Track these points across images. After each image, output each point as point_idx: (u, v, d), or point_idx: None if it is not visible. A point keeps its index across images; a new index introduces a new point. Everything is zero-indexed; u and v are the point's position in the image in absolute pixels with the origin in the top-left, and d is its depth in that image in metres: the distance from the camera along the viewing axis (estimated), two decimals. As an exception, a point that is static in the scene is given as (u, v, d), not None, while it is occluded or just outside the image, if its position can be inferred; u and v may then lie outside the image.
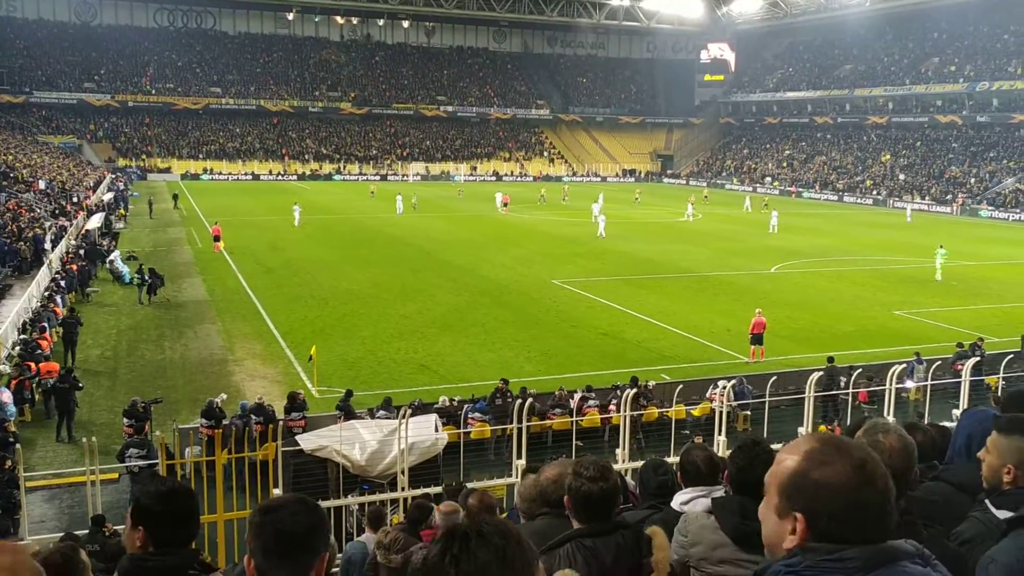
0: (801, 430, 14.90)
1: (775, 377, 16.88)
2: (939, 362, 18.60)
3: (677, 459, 10.76)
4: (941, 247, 35.55)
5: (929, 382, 17.09)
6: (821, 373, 16.70)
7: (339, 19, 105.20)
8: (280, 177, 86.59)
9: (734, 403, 16.49)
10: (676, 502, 4.21)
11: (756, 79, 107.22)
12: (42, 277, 28.71)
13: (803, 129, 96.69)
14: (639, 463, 8.20)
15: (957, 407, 14.38)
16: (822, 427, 13.74)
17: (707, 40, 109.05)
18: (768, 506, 1.85)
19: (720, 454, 6.78)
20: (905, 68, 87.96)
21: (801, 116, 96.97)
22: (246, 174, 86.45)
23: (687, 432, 16.08)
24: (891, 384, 14.66)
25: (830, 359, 19.06)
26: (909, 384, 17.98)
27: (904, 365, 17.32)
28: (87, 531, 10.38)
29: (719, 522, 3.56)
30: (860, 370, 17.52)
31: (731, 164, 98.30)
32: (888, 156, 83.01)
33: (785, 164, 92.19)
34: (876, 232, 51.85)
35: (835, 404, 17.68)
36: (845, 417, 16.37)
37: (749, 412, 17.47)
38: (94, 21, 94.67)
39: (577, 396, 17.40)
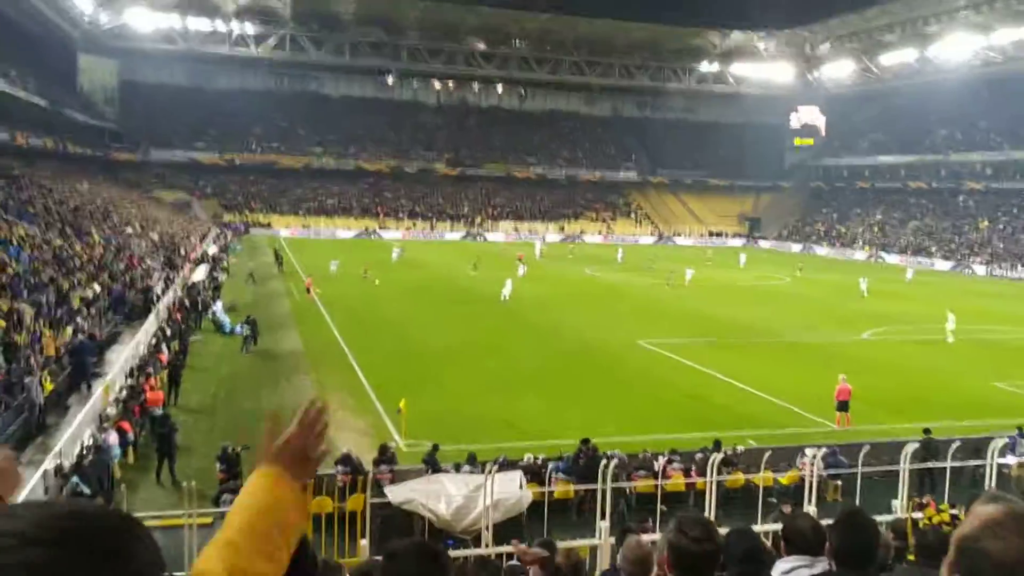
0: (895, 503, 14.50)
1: (867, 447, 16.45)
2: (1044, 438, 17.80)
3: (765, 527, 10.62)
4: (951, 312, 35.60)
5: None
6: (917, 445, 16.22)
7: (436, 84, 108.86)
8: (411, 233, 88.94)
9: (824, 472, 16.14)
10: (777, 571, 4.06)
11: (847, 143, 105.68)
12: (149, 325, 30.16)
13: (896, 194, 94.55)
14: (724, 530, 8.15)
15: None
16: (915, 499, 13.33)
17: (797, 104, 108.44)
18: (945, 562, 1.90)
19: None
20: (1004, 133, 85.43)
21: (894, 180, 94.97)
22: (348, 230, 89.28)
23: (774, 500, 15.81)
24: (992, 459, 14.18)
25: (926, 430, 18.48)
26: (1011, 459, 17.28)
27: (1006, 440, 16.69)
28: (183, 574, 10.84)
29: None
30: (958, 443, 16.93)
31: (821, 228, 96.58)
32: (986, 222, 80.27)
33: (877, 229, 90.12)
34: (973, 300, 49.98)
35: (931, 477, 17.09)
36: (943, 491, 15.79)
37: (840, 482, 17.05)
38: (208, 84, 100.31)
39: (662, 459, 17.30)
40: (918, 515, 12.17)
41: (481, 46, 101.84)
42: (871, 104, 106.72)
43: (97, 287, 30.79)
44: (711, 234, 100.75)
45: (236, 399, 24.32)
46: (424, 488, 14.72)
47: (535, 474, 16.26)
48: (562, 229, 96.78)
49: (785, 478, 17.00)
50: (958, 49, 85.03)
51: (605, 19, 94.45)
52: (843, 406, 22.28)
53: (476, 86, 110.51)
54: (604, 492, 13.19)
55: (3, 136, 53.81)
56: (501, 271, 51.30)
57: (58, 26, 74.66)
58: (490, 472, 13.70)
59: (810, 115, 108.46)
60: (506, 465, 16.21)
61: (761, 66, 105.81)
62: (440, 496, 14.55)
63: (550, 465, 16.67)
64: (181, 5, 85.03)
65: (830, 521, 4.01)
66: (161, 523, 15.55)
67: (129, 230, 50.30)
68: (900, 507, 14.04)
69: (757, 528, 10.85)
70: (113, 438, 17.87)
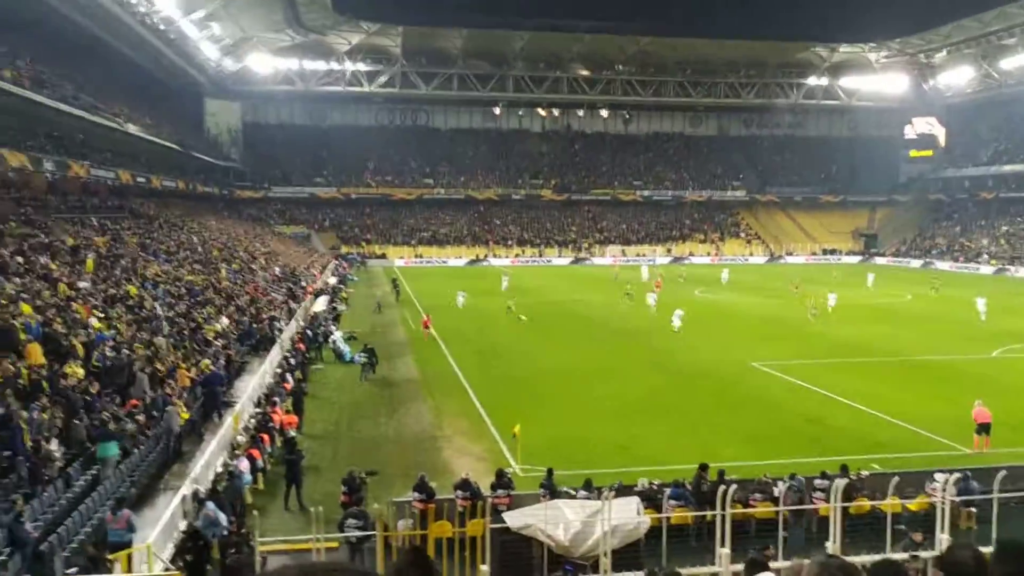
0: (1034, 531, 13.83)
1: (1004, 472, 15.70)
2: None
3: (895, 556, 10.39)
4: None
5: None
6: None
7: (541, 111, 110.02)
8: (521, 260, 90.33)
9: (956, 498, 15.49)
10: None
11: (969, 153, 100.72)
12: (274, 355, 31.55)
13: (1023, 204, 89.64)
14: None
15: None
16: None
17: (912, 115, 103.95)
18: None
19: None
20: None
21: (1020, 190, 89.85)
22: (459, 258, 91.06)
23: (902, 527, 15.28)
24: None
25: (1066, 454, 17.51)
26: None
27: None
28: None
29: None
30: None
31: (943, 242, 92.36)
32: None
33: (1003, 241, 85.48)
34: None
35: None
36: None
37: (975, 509, 16.32)
38: (325, 123, 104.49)
39: (782, 484, 16.95)
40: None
41: (584, 72, 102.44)
42: (993, 111, 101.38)
43: (225, 320, 32.46)
44: (824, 252, 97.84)
45: (357, 425, 25.19)
46: (542, 513, 14.88)
47: (651, 500, 16.21)
48: (669, 251, 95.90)
49: (913, 504, 16.39)
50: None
51: (706, 39, 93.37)
52: (983, 429, 21.45)
53: (581, 112, 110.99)
54: (724, 518, 13.04)
55: (142, 180, 57.53)
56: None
57: (187, 73, 79.32)
58: (607, 498, 13.76)
59: (927, 125, 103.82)
60: (622, 491, 16.19)
61: (872, 78, 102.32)
62: (558, 522, 14.66)
63: (667, 491, 16.58)
64: (298, 48, 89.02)
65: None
66: (290, 547, 16.31)
67: (254, 265, 52.78)
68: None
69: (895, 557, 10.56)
70: (244, 465, 18.79)
